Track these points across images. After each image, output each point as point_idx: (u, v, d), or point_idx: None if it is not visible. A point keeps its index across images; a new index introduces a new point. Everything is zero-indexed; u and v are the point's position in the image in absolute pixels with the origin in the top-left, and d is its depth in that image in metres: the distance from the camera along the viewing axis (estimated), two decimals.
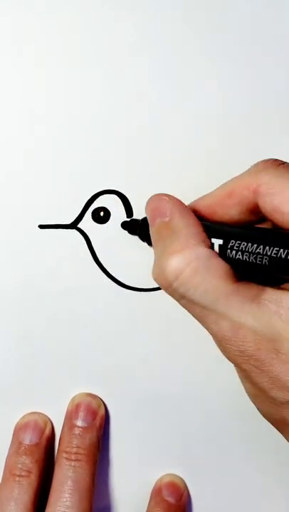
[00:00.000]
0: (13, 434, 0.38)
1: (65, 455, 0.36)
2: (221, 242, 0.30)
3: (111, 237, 0.37)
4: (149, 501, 0.39)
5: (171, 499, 0.38)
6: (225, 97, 0.37)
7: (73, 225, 0.37)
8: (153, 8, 0.36)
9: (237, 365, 0.30)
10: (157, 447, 0.39)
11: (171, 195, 0.32)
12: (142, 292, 0.38)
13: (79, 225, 0.37)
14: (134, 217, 0.37)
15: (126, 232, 0.37)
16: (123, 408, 0.39)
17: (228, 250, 0.29)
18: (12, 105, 0.37)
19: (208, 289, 0.29)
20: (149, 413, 0.39)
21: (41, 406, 0.39)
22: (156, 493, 0.39)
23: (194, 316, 0.30)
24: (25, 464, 0.37)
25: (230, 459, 0.39)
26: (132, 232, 0.37)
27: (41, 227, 0.37)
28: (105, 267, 0.38)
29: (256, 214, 0.30)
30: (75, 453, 0.36)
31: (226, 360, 0.38)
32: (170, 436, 0.39)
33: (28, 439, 0.38)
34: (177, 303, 0.37)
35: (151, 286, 0.38)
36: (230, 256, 0.29)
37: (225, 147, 0.37)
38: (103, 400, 0.39)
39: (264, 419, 0.39)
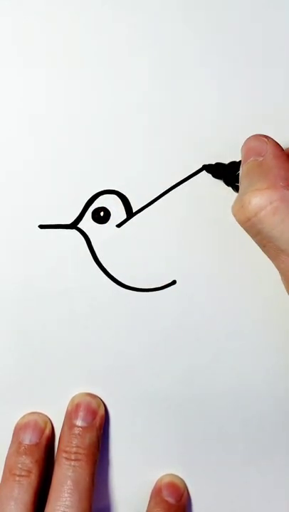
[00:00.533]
0: (13, 434, 0.38)
1: (64, 455, 0.37)
2: None
3: (111, 237, 0.37)
4: (149, 501, 0.39)
5: (171, 499, 0.39)
6: (225, 98, 0.37)
7: (73, 225, 0.37)
8: (153, 8, 0.36)
9: None
10: (157, 447, 0.39)
11: (270, 137, 0.33)
12: (142, 292, 0.38)
13: (79, 225, 0.37)
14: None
15: (126, 232, 0.37)
16: (123, 408, 0.39)
17: None
18: (12, 105, 0.37)
19: (285, 230, 0.29)
20: (149, 413, 0.39)
21: (41, 406, 0.39)
22: (156, 493, 0.39)
23: (266, 252, 0.31)
24: (25, 464, 0.37)
25: (230, 459, 0.39)
26: (216, 175, 0.37)
27: (41, 227, 0.37)
28: (105, 267, 0.38)
29: None
30: (75, 452, 0.36)
31: (226, 360, 0.38)
32: (170, 436, 0.39)
33: (28, 438, 0.38)
34: (177, 303, 0.38)
35: (151, 286, 0.38)
36: None
37: (225, 147, 0.37)
38: (103, 399, 0.39)
39: (264, 420, 0.39)
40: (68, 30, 0.36)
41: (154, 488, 0.39)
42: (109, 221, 0.37)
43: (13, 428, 0.38)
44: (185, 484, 0.40)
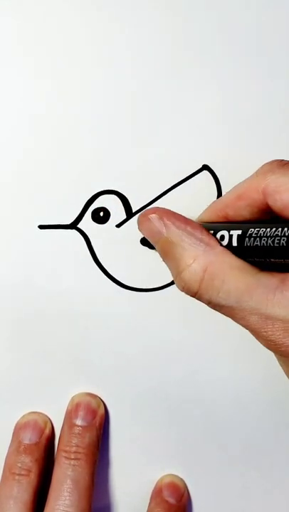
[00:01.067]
0: (13, 434, 0.38)
1: (64, 454, 0.37)
2: (239, 232, 0.30)
3: (111, 237, 0.38)
4: (150, 502, 0.39)
5: (171, 500, 0.39)
6: (225, 98, 0.37)
7: (73, 225, 0.37)
8: (153, 7, 0.36)
9: (273, 352, 0.31)
10: (157, 447, 0.39)
11: (156, 209, 0.33)
12: (142, 292, 0.38)
13: (79, 225, 0.37)
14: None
15: (125, 232, 0.38)
16: (123, 408, 0.39)
17: (247, 239, 0.30)
18: (12, 105, 0.37)
19: (230, 289, 0.29)
20: (149, 413, 0.39)
21: (41, 406, 0.39)
22: (157, 493, 0.39)
23: (227, 315, 0.31)
24: (25, 463, 0.37)
25: (230, 459, 0.40)
26: (151, 247, 0.37)
27: (41, 227, 0.37)
28: (105, 267, 0.38)
29: (267, 213, 0.31)
30: (75, 452, 0.37)
31: (226, 360, 0.38)
32: (170, 436, 0.39)
33: (28, 438, 0.38)
34: (176, 303, 0.38)
35: (151, 287, 0.38)
36: (249, 244, 0.30)
37: (225, 147, 0.37)
38: (103, 399, 0.39)
39: (264, 419, 0.39)
40: (68, 30, 0.36)
41: (155, 488, 0.39)
42: (109, 221, 0.38)
43: (13, 428, 0.39)
44: (185, 484, 0.40)
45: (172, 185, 0.37)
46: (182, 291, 0.32)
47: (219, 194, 0.37)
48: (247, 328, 0.30)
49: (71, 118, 0.37)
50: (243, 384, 0.39)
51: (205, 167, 0.37)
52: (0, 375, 0.39)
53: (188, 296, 0.38)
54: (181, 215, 0.32)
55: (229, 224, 0.32)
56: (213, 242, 0.31)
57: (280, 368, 0.39)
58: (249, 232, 0.30)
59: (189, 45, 0.37)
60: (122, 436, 0.39)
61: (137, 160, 0.37)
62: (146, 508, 0.39)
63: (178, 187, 0.37)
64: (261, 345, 0.38)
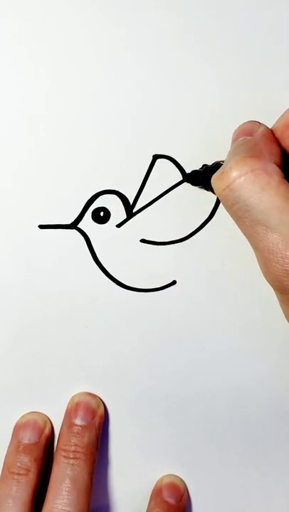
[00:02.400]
0: (13, 433, 0.39)
1: (63, 453, 0.37)
2: None
3: (111, 237, 0.38)
4: (149, 501, 0.39)
5: (171, 500, 0.39)
6: (225, 97, 0.37)
7: (73, 225, 0.38)
8: (153, 7, 0.36)
9: (279, 288, 0.29)
10: (157, 447, 0.40)
11: (262, 123, 0.32)
12: (142, 292, 0.38)
13: (79, 225, 0.38)
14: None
15: (125, 232, 0.38)
16: (122, 408, 0.39)
17: None
18: (12, 105, 0.37)
19: (263, 199, 0.28)
20: (149, 413, 0.39)
21: (41, 405, 0.39)
22: (157, 493, 0.39)
23: (242, 229, 0.30)
24: (24, 463, 0.37)
25: (230, 459, 0.40)
26: (194, 183, 0.37)
27: (41, 227, 0.38)
28: (105, 267, 0.38)
29: None
30: (74, 451, 0.37)
31: (226, 360, 0.39)
32: (169, 436, 0.39)
33: (27, 437, 0.38)
34: (176, 303, 0.38)
35: (151, 287, 0.38)
36: None
37: (225, 147, 0.37)
38: (102, 399, 0.39)
39: (264, 420, 0.39)
40: (68, 30, 0.36)
41: (155, 488, 0.40)
42: (109, 221, 0.38)
43: (12, 427, 0.39)
44: (185, 485, 0.40)
45: (172, 185, 0.38)
46: (215, 180, 0.30)
47: None
48: (262, 249, 0.29)
49: (71, 118, 0.37)
50: (242, 384, 0.39)
51: (205, 167, 0.37)
52: (0, 375, 0.39)
53: (188, 296, 0.38)
54: (275, 137, 0.32)
55: None
56: (279, 160, 0.30)
57: (280, 368, 0.39)
58: None
59: (189, 45, 0.37)
60: (121, 436, 0.39)
61: (137, 160, 0.37)
62: (146, 508, 0.39)
63: (178, 187, 0.38)
64: (261, 345, 0.38)
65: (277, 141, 0.31)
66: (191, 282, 0.38)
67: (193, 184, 0.37)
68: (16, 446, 0.38)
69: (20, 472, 0.37)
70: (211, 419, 0.39)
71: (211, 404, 0.39)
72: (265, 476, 0.40)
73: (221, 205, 0.37)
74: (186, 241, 0.38)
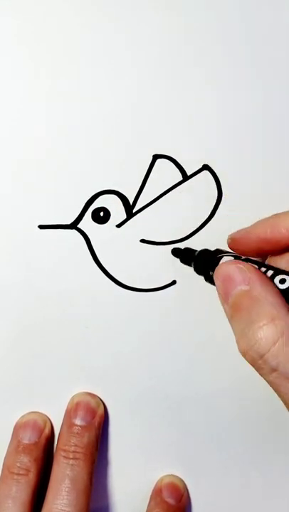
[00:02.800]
0: (13, 433, 0.39)
1: (63, 453, 0.37)
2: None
3: (111, 237, 0.38)
4: (149, 502, 0.39)
5: (171, 500, 0.39)
6: (225, 98, 0.37)
7: (73, 225, 0.38)
8: (153, 7, 0.37)
9: None
10: (156, 447, 0.40)
11: (245, 263, 0.31)
12: (142, 292, 0.38)
13: (79, 225, 0.38)
14: (187, 246, 0.37)
15: (125, 232, 0.38)
16: (122, 408, 0.39)
17: None
18: (12, 105, 0.37)
19: None
20: (149, 413, 0.39)
21: (41, 405, 0.39)
22: (157, 493, 0.39)
23: (286, 392, 0.29)
24: (24, 463, 0.37)
25: (230, 459, 0.40)
26: (184, 261, 0.37)
27: (41, 227, 0.38)
28: (105, 267, 0.38)
29: None
30: (73, 451, 0.37)
31: (226, 360, 0.39)
32: (169, 436, 0.40)
33: (27, 437, 0.38)
34: (176, 303, 0.38)
35: (151, 287, 0.38)
36: None
37: (225, 147, 0.37)
38: (102, 399, 0.39)
39: (264, 420, 0.39)
40: (68, 29, 0.37)
41: (154, 488, 0.40)
42: (109, 221, 0.38)
43: (12, 427, 0.39)
44: (185, 485, 0.40)
45: (172, 185, 0.38)
46: (244, 351, 0.29)
47: (219, 194, 0.38)
48: None
49: (71, 118, 0.37)
50: (242, 384, 0.39)
51: (205, 167, 0.37)
52: (0, 375, 0.39)
53: (188, 297, 0.38)
54: (264, 275, 0.31)
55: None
56: (284, 303, 0.29)
57: None
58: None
59: (189, 45, 0.37)
60: (121, 436, 0.39)
61: (137, 160, 0.37)
62: (146, 508, 0.39)
63: (178, 187, 0.38)
64: None
65: (269, 279, 0.31)
66: (191, 282, 0.38)
67: (182, 261, 0.37)
68: (15, 446, 0.38)
69: (20, 472, 0.37)
70: (211, 419, 0.39)
71: (211, 404, 0.39)
72: (265, 476, 0.40)
73: (221, 205, 0.38)
74: (186, 241, 0.38)
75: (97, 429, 0.38)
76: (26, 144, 0.37)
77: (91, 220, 0.38)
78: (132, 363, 0.39)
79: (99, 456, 0.38)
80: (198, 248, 0.37)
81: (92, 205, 0.38)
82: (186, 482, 0.40)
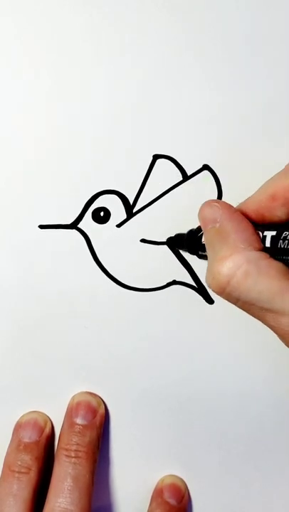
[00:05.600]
0: (13, 432, 0.39)
1: (65, 452, 0.37)
2: (274, 233, 0.31)
3: (111, 237, 0.38)
4: (150, 502, 0.40)
5: (172, 501, 0.39)
6: (225, 98, 0.37)
7: (73, 225, 0.38)
8: (153, 8, 0.37)
9: None
10: (157, 447, 0.40)
11: (221, 201, 0.33)
12: (142, 292, 0.39)
13: (79, 225, 0.38)
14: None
15: (126, 232, 0.38)
16: (123, 408, 0.39)
17: (281, 241, 0.30)
18: (12, 105, 0.37)
19: (262, 290, 0.29)
20: (149, 413, 0.40)
21: (41, 405, 0.40)
22: (158, 494, 0.40)
23: (253, 315, 0.31)
24: (25, 461, 0.38)
25: (230, 459, 0.40)
26: (179, 246, 0.38)
27: (41, 227, 0.38)
28: (105, 267, 0.38)
29: None
30: (75, 450, 0.37)
31: (226, 360, 0.39)
32: (170, 436, 0.40)
33: (28, 436, 0.38)
34: (176, 303, 0.38)
35: (151, 287, 0.39)
36: (283, 246, 0.30)
37: (225, 147, 0.38)
38: (103, 399, 0.39)
39: (264, 420, 0.39)
40: (68, 29, 0.37)
41: (156, 489, 0.40)
42: (109, 221, 0.38)
43: (13, 427, 0.39)
44: (186, 486, 0.40)
45: (172, 185, 0.38)
46: (210, 286, 0.31)
47: (219, 194, 0.38)
48: (277, 331, 0.30)
49: (71, 118, 0.37)
50: (243, 384, 0.39)
51: (205, 167, 0.38)
52: (0, 375, 0.39)
53: (188, 296, 0.38)
54: (238, 212, 0.32)
55: (263, 225, 0.32)
56: (257, 244, 0.31)
57: (280, 368, 0.39)
58: (283, 235, 0.30)
59: (189, 45, 0.37)
60: (122, 435, 0.40)
61: (137, 160, 0.38)
62: (147, 509, 0.39)
63: (178, 187, 0.38)
64: (261, 346, 0.39)
65: (244, 218, 0.32)
66: (191, 282, 0.38)
67: (178, 247, 0.38)
68: (16, 444, 0.38)
69: (21, 470, 0.37)
70: (211, 419, 0.40)
71: (212, 404, 0.39)
72: (265, 476, 0.40)
73: None
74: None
75: (98, 428, 0.38)
76: (26, 144, 0.37)
77: (91, 220, 0.38)
78: (133, 363, 0.39)
79: (100, 456, 0.39)
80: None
81: (93, 205, 0.38)
82: (185, 481, 0.40)
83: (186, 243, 0.36)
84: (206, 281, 0.32)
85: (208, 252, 0.32)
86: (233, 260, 0.30)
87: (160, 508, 0.39)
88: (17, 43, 0.37)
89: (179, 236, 0.38)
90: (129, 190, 0.38)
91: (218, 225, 0.32)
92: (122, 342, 0.39)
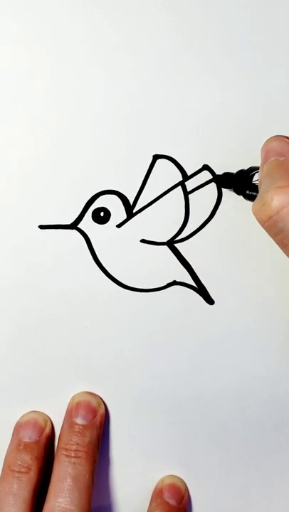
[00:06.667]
0: (13, 432, 0.39)
1: (64, 452, 0.37)
2: None
3: (111, 237, 0.38)
4: (150, 502, 0.40)
5: (172, 501, 0.39)
6: (225, 98, 0.37)
7: (73, 225, 0.38)
8: (153, 8, 0.37)
9: None
10: (157, 447, 0.40)
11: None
12: (142, 292, 0.39)
13: (79, 225, 0.38)
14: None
15: (126, 232, 0.38)
16: (123, 408, 0.40)
17: None
18: (12, 105, 0.37)
19: None
20: (149, 413, 0.40)
21: (41, 405, 0.40)
22: (158, 494, 0.40)
23: (287, 252, 0.31)
24: (25, 461, 0.38)
25: (230, 459, 0.40)
26: (225, 185, 0.37)
27: (41, 227, 0.38)
28: (105, 267, 0.39)
29: None
30: (75, 450, 0.37)
31: (226, 360, 0.39)
32: (170, 436, 0.40)
33: (28, 436, 0.38)
34: (176, 303, 0.38)
35: (151, 287, 0.39)
36: None
37: (225, 147, 0.38)
38: (103, 399, 0.39)
39: (264, 420, 0.39)
40: (68, 30, 0.37)
41: (155, 489, 0.40)
42: (109, 221, 0.38)
43: (13, 427, 0.39)
44: (186, 486, 0.40)
45: (172, 185, 0.38)
46: (255, 211, 0.31)
47: (219, 194, 0.38)
48: None
49: (71, 118, 0.38)
50: (243, 384, 0.39)
51: (205, 167, 0.38)
52: (0, 375, 0.39)
53: (188, 297, 0.38)
54: None
55: None
56: None
57: (280, 368, 0.39)
58: None
59: (189, 45, 0.37)
60: (122, 435, 0.40)
61: (137, 160, 0.38)
62: (147, 509, 0.39)
63: (178, 187, 0.38)
64: (261, 346, 0.39)
65: None
66: (190, 282, 0.39)
67: (224, 187, 0.38)
68: (16, 444, 0.38)
69: (21, 470, 0.37)
70: (211, 419, 0.40)
71: (212, 404, 0.39)
72: (265, 476, 0.40)
73: (221, 205, 0.38)
74: (186, 241, 0.38)
75: (98, 428, 0.38)
76: (26, 144, 0.38)
77: (91, 220, 0.38)
78: (132, 363, 0.39)
79: (99, 456, 0.39)
80: (199, 249, 0.38)
81: (93, 205, 0.38)
82: (185, 482, 0.40)
83: (236, 180, 0.36)
84: (253, 209, 0.31)
85: (263, 183, 0.32)
86: None
87: (160, 509, 0.39)
88: (17, 43, 0.37)
89: (226, 174, 0.37)
90: (129, 190, 0.38)
91: (282, 158, 0.32)
92: (122, 342, 0.39)
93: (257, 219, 0.31)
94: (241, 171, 0.36)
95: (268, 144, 0.33)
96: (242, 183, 0.36)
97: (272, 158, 0.33)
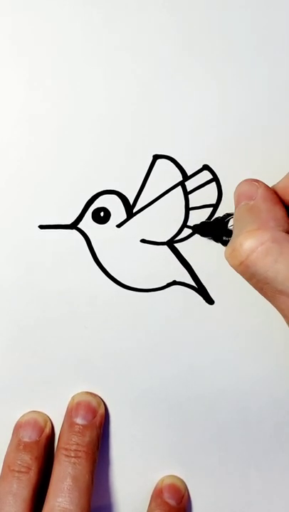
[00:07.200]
0: (13, 432, 0.39)
1: (64, 452, 0.37)
2: None
3: (111, 237, 0.38)
4: (150, 502, 0.40)
5: (172, 501, 0.39)
6: (225, 98, 0.38)
7: (73, 225, 0.38)
8: (153, 8, 0.37)
9: None
10: (157, 447, 0.40)
11: (260, 181, 0.33)
12: (142, 292, 0.39)
13: (79, 225, 0.38)
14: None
15: (126, 232, 0.38)
16: (123, 408, 0.40)
17: None
18: (12, 105, 0.38)
19: (279, 270, 0.29)
20: (149, 412, 0.40)
21: (41, 405, 0.40)
22: (157, 494, 0.40)
23: (264, 295, 0.31)
24: (25, 460, 0.38)
25: (230, 459, 0.40)
26: (204, 234, 0.38)
27: (41, 227, 0.38)
28: (105, 267, 0.39)
29: None
30: (75, 450, 0.37)
31: (226, 360, 0.39)
32: (170, 436, 0.40)
33: (28, 436, 0.39)
34: (176, 303, 0.38)
35: (151, 287, 0.39)
36: None
37: (225, 147, 0.38)
38: (103, 399, 0.40)
39: (264, 419, 0.39)
40: (68, 30, 0.37)
41: (155, 489, 0.40)
42: (109, 221, 0.38)
43: (13, 426, 0.39)
44: (186, 486, 0.40)
45: (172, 185, 0.38)
46: (227, 256, 0.31)
47: (219, 194, 0.38)
48: (284, 314, 0.30)
49: (71, 118, 0.38)
50: (243, 384, 0.39)
51: (205, 167, 0.38)
52: (0, 375, 0.39)
53: (188, 297, 0.38)
54: (276, 195, 0.33)
55: None
56: (286, 225, 0.31)
57: (280, 368, 0.39)
58: None
59: (189, 45, 0.37)
60: (122, 435, 0.40)
61: (137, 160, 0.38)
62: (146, 509, 0.40)
63: (178, 187, 0.38)
64: (261, 346, 0.39)
65: (280, 201, 0.32)
66: (190, 282, 0.39)
67: (202, 235, 0.38)
68: (16, 444, 0.38)
69: (21, 470, 0.37)
70: (211, 419, 0.40)
71: (212, 404, 0.40)
72: (265, 476, 0.40)
73: (220, 205, 0.38)
74: (186, 241, 0.38)
75: (98, 428, 0.38)
76: (26, 143, 0.38)
77: (91, 220, 0.38)
78: (132, 363, 0.39)
79: (99, 456, 0.39)
80: (199, 249, 0.38)
81: (93, 205, 0.38)
82: (185, 481, 0.40)
83: (213, 227, 0.37)
84: (225, 254, 0.32)
85: (234, 227, 0.32)
86: (259, 235, 0.30)
87: (159, 509, 0.39)
88: (17, 43, 0.37)
89: (204, 224, 0.38)
90: (129, 190, 0.38)
91: (252, 202, 0.32)
92: (122, 342, 0.39)
93: (230, 264, 0.31)
94: (217, 219, 0.37)
95: (238, 188, 0.34)
96: (219, 230, 0.36)
97: (243, 203, 0.33)
